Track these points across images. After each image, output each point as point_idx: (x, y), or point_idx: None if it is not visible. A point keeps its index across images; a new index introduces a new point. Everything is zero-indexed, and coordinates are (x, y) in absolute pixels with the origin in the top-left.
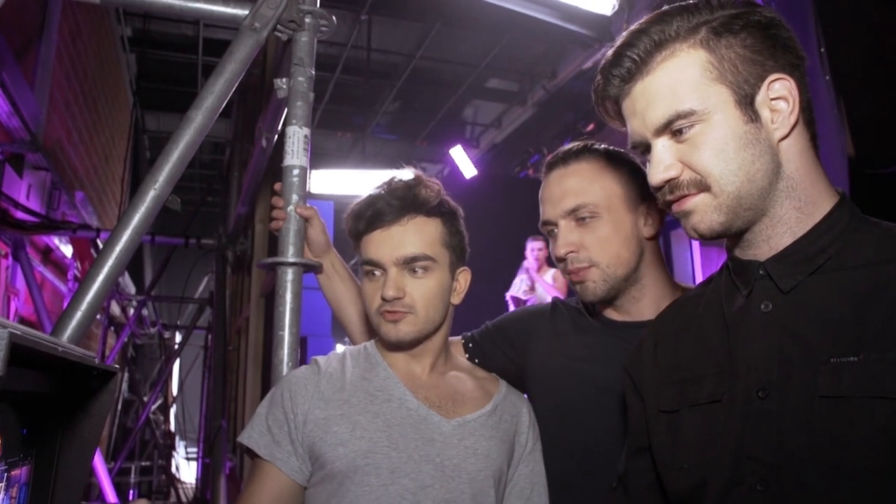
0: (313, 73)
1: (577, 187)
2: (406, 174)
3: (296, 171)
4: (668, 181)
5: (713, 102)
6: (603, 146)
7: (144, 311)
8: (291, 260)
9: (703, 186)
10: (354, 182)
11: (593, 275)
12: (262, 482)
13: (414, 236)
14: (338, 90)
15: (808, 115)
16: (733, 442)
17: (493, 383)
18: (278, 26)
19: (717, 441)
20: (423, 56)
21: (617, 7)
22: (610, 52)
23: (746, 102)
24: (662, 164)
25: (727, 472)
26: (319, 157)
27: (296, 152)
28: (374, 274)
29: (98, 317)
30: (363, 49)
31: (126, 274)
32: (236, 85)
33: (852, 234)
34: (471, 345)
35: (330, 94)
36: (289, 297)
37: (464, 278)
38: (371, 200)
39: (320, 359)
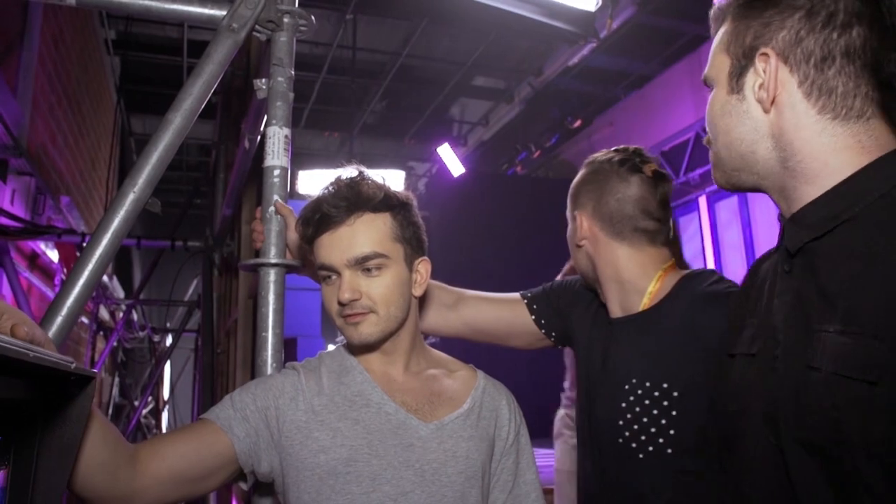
0: (293, 73)
1: None
2: (349, 172)
3: (276, 172)
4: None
5: (715, 70)
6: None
7: (134, 316)
8: (273, 261)
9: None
10: None
11: None
12: (194, 428)
13: (363, 235)
14: (324, 90)
15: (813, 93)
16: (759, 394)
17: (469, 377)
18: (257, 26)
19: (752, 391)
20: (410, 54)
21: (601, 3)
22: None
23: (736, 75)
24: None
25: (755, 422)
26: (307, 157)
27: (276, 153)
28: (329, 278)
29: (86, 321)
30: (349, 48)
31: (115, 278)
32: (215, 86)
33: (883, 198)
34: (534, 305)
35: (316, 94)
36: (271, 297)
37: (424, 269)
38: (317, 204)
39: (296, 364)
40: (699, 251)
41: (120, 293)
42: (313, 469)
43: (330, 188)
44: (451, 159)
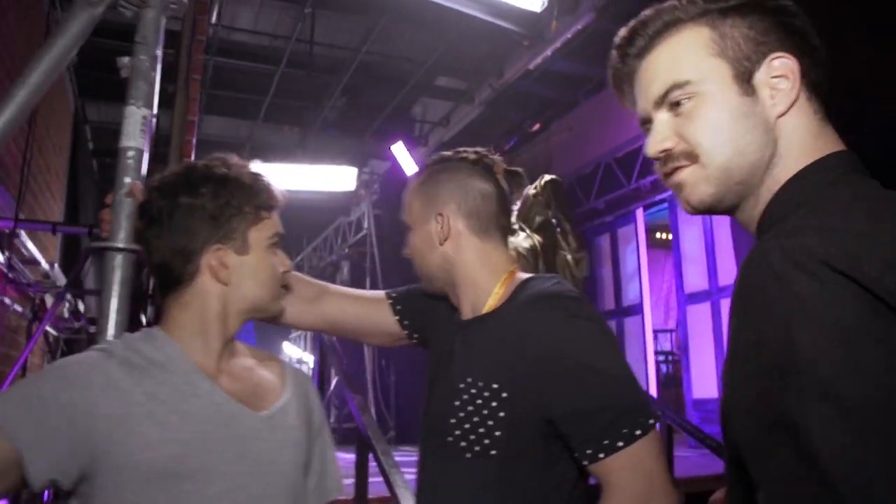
0: (159, 52)
1: (404, 202)
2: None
3: (130, 153)
4: (664, 153)
5: (710, 75)
6: (453, 151)
7: (81, 306)
8: (121, 245)
9: (692, 158)
10: (295, 177)
11: (420, 274)
12: None
13: None
14: (284, 84)
15: (816, 102)
16: None
17: (277, 365)
18: (121, 1)
19: None
20: (370, 52)
21: (546, 4)
22: (625, 31)
23: (744, 78)
24: (659, 135)
25: None
26: (264, 151)
27: (132, 133)
28: (274, 247)
29: (20, 310)
30: (308, 42)
31: (55, 266)
32: (67, 61)
33: (814, 201)
34: (398, 306)
35: (276, 88)
36: (116, 285)
37: None
38: (260, 179)
39: (105, 346)
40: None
41: (62, 281)
42: (137, 467)
43: (257, 172)
44: (405, 158)
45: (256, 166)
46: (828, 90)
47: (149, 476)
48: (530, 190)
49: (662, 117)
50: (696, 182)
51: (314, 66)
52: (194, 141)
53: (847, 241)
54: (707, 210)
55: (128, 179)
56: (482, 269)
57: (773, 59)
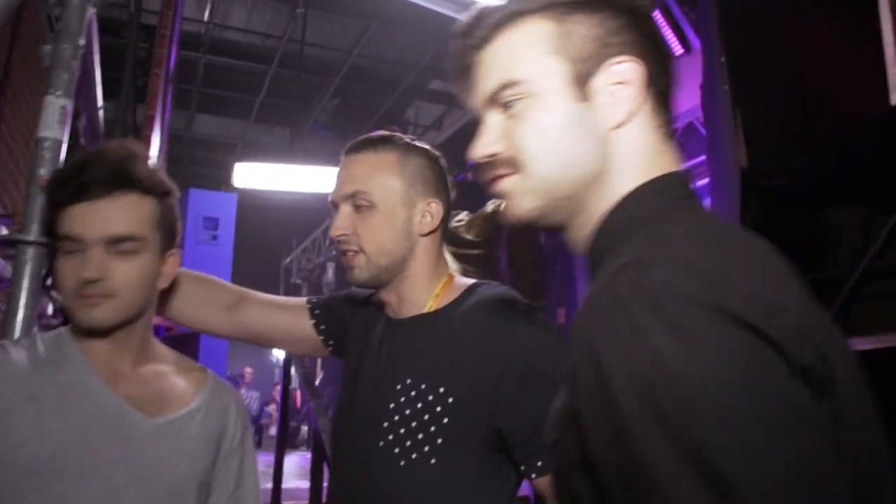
0: (82, 42)
1: (359, 174)
2: (119, 146)
3: (47, 144)
4: (490, 157)
5: (545, 76)
6: (409, 138)
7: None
8: (31, 238)
9: (516, 166)
10: (284, 177)
11: (360, 260)
12: None
13: (124, 214)
14: (276, 84)
15: (662, 115)
16: None
17: (199, 376)
18: None
19: None
20: (362, 54)
21: None
22: (467, 19)
23: (581, 81)
24: (488, 136)
25: None
26: (254, 150)
27: (49, 123)
28: (73, 252)
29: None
30: (299, 43)
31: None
32: None
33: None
34: (317, 311)
35: (268, 88)
36: (26, 280)
37: (173, 262)
38: (78, 168)
39: (10, 343)
40: None
41: None
42: (13, 463)
43: (95, 156)
44: None
45: (126, 146)
46: (670, 104)
47: (21, 473)
48: (489, 206)
49: (494, 118)
50: (518, 193)
51: (305, 67)
52: (154, 136)
53: (707, 274)
54: (532, 224)
55: (42, 171)
56: (434, 269)
57: (616, 62)
